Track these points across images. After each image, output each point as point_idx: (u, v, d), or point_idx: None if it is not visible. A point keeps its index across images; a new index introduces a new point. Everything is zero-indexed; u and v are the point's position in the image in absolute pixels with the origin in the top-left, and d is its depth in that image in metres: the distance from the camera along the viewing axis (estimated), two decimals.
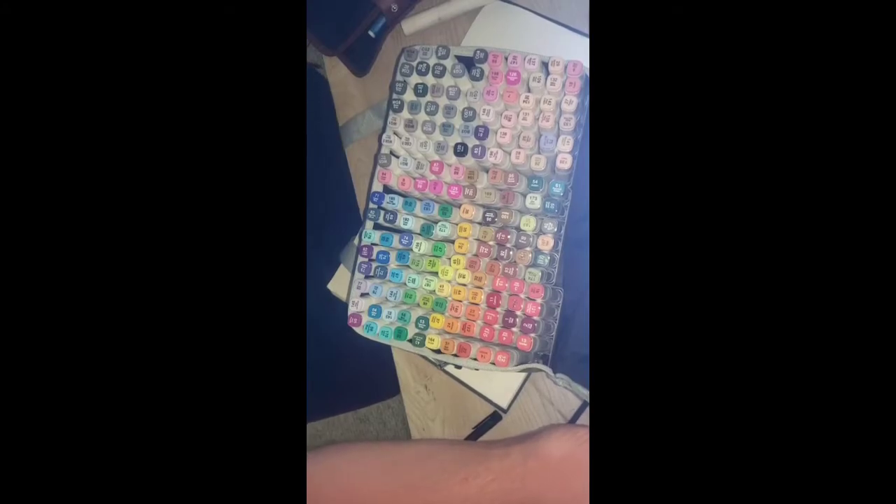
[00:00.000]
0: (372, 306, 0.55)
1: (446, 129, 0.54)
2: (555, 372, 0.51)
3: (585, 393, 0.51)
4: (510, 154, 0.52)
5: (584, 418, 0.56)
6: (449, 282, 0.53)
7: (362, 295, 0.56)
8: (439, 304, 0.53)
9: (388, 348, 0.59)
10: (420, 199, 0.55)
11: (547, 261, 0.51)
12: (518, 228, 0.52)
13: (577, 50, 0.58)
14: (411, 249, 0.55)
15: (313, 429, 1.27)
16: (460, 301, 0.53)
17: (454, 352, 0.52)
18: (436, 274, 0.54)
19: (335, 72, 0.67)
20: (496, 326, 0.52)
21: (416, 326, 0.54)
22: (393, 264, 0.56)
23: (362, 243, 0.57)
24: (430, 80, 0.55)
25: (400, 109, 0.56)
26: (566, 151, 0.51)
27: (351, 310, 0.56)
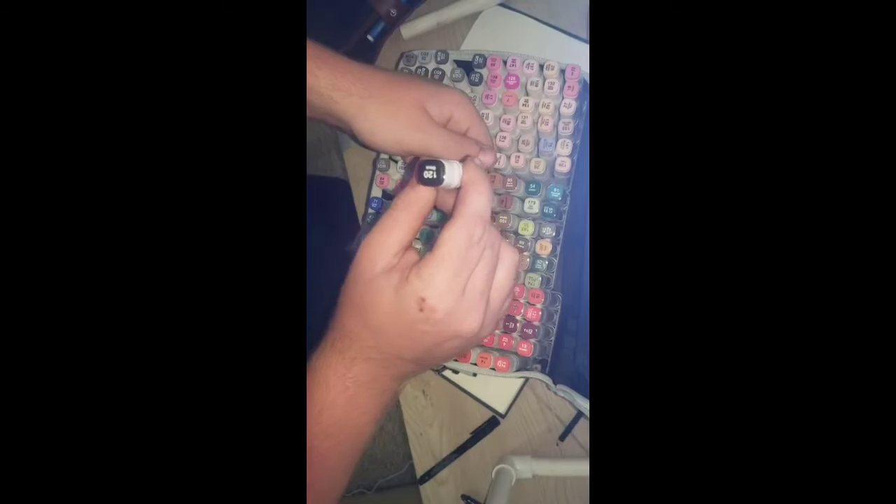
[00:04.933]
0: None
1: None
2: (555, 382, 0.51)
3: (585, 406, 0.51)
4: (510, 158, 0.52)
5: (584, 423, 0.56)
6: None
7: None
8: None
9: None
10: None
11: (545, 265, 0.51)
12: (516, 233, 0.52)
13: (575, 55, 0.58)
14: None
15: None
16: None
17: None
18: None
19: None
20: (497, 331, 0.52)
21: None
22: None
23: None
24: None
25: None
26: (565, 155, 0.51)
27: None
